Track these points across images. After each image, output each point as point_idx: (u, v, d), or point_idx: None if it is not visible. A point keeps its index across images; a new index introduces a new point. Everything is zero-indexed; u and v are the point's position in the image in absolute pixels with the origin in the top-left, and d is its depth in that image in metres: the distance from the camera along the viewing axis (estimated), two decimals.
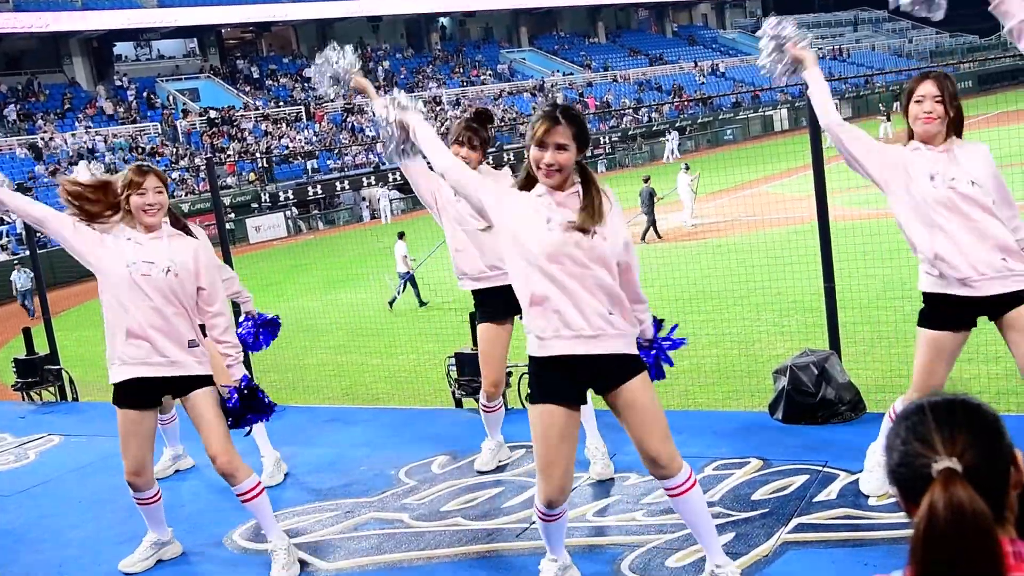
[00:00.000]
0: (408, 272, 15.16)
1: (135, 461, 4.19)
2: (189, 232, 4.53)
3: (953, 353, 3.76)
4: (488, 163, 4.87)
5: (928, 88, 3.59)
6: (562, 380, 3.22)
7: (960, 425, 1.35)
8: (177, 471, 5.92)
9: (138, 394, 4.10)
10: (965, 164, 3.58)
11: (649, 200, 18.54)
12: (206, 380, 4.12)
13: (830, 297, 5.42)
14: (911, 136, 3.68)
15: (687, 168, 19.97)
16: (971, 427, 1.36)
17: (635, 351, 3.28)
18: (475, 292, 4.78)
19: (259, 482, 4.21)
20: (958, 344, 3.76)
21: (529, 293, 3.16)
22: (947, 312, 3.71)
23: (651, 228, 18.70)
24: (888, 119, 35.58)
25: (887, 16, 74.90)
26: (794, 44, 3.81)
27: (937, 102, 3.57)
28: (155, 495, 4.39)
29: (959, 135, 3.66)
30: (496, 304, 4.68)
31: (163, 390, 4.12)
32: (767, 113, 49.08)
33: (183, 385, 4.09)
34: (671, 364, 3.60)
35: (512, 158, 40.31)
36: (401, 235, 16.10)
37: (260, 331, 5.78)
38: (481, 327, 4.82)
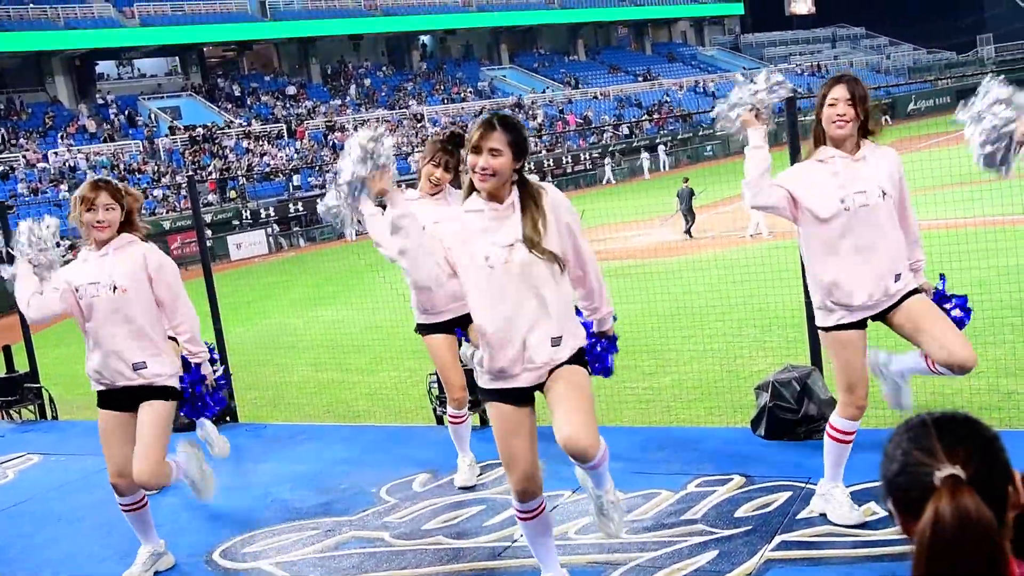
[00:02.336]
0: None
1: (116, 462, 4.23)
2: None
3: (863, 345, 3.84)
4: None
5: (840, 91, 3.71)
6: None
7: (963, 437, 1.33)
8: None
9: (112, 400, 4.21)
10: (873, 171, 3.70)
11: (688, 199, 19.41)
12: (168, 392, 4.19)
13: (811, 312, 5.43)
14: (821, 142, 3.81)
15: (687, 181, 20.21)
16: (973, 439, 1.34)
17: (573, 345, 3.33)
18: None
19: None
20: (864, 336, 3.86)
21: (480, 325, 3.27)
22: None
23: (691, 225, 19.46)
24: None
25: (865, 33, 75.79)
26: (749, 111, 3.90)
27: (849, 105, 3.67)
28: (140, 501, 4.39)
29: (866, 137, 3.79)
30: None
31: (134, 397, 4.17)
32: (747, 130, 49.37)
33: (148, 394, 4.15)
34: (613, 352, 3.70)
35: None
36: (686, 180, 17.51)
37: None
38: (428, 338, 4.90)
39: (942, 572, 1.24)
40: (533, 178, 3.33)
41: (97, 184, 4.14)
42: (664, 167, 43.47)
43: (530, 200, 3.21)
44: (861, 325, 3.79)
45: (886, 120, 38.27)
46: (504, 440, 3.34)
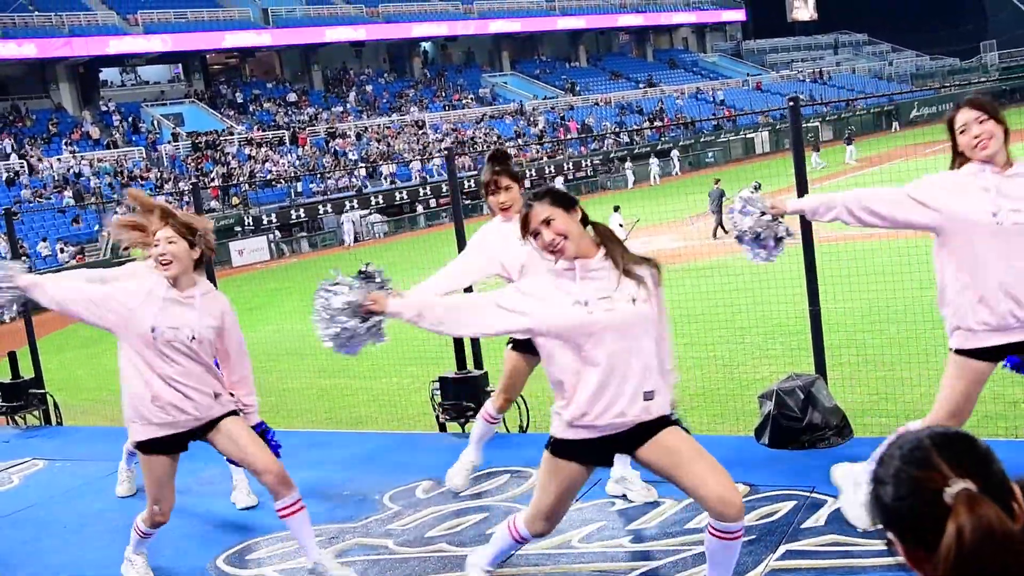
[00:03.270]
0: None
1: (168, 503, 4.16)
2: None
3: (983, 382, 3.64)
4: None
5: (966, 115, 3.51)
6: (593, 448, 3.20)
7: (964, 452, 1.26)
8: None
9: (169, 444, 4.06)
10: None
11: (719, 200, 19.98)
12: (230, 412, 4.14)
13: (815, 320, 5.42)
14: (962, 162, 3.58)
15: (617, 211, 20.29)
16: (973, 455, 1.26)
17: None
18: None
19: (299, 498, 4.14)
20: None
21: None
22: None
23: (719, 227, 19.88)
24: (817, 149, 35.29)
25: (867, 39, 75.81)
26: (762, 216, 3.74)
27: (981, 124, 3.47)
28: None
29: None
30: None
31: (190, 437, 4.09)
32: (748, 136, 49.45)
33: (208, 427, 4.09)
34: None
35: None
36: (616, 208, 18.27)
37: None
38: (513, 354, 4.70)
39: None
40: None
41: (164, 210, 3.96)
42: (676, 171, 43.63)
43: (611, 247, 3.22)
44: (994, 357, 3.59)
45: (894, 127, 38.12)
46: (560, 497, 3.32)
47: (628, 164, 43.91)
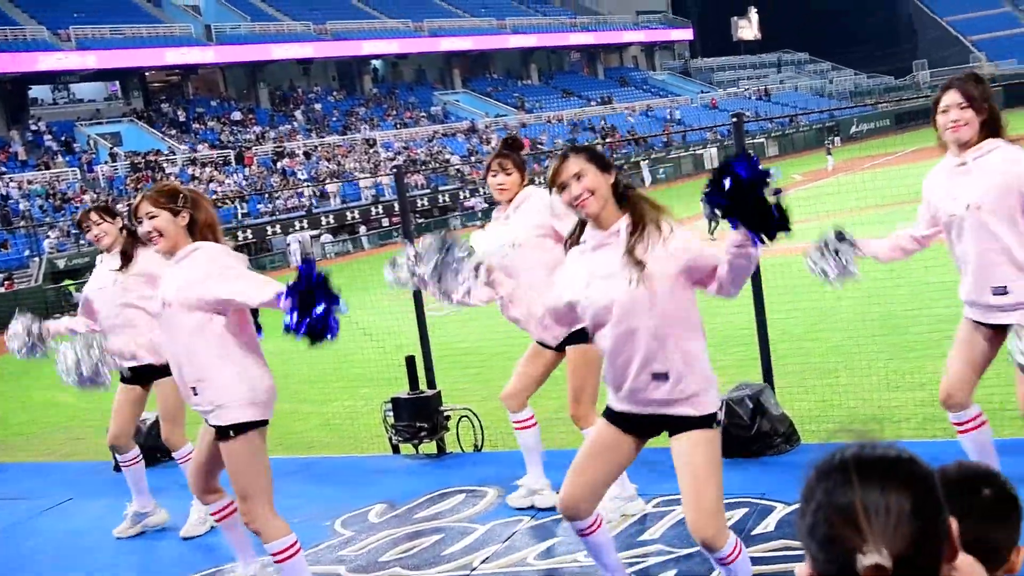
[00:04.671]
0: None
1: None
2: None
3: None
4: (538, 183, 4.70)
5: (951, 97, 3.59)
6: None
7: (893, 497, 1.13)
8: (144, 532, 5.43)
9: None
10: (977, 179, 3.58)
11: None
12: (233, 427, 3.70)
13: (762, 330, 5.51)
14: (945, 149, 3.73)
15: None
16: (904, 500, 1.14)
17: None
18: None
19: (295, 541, 3.80)
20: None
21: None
22: None
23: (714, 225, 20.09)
24: (829, 153, 36.37)
25: (808, 58, 77.66)
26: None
27: (963, 109, 3.57)
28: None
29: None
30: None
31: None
32: (698, 152, 50.16)
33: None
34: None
35: (447, 199, 40.39)
36: None
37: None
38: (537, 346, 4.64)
39: None
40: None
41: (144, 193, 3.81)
42: (646, 182, 44.16)
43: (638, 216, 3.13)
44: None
45: (834, 141, 39.11)
46: (585, 451, 3.27)
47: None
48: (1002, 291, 3.58)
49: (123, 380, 5.09)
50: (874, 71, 73.17)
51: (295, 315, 3.21)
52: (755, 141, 44.61)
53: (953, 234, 3.68)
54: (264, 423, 3.75)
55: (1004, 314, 3.60)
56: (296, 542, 3.77)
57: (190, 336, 3.62)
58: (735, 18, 76.91)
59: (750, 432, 5.12)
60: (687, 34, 72.07)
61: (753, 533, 4.11)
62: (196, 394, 3.69)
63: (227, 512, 4.14)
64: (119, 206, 34.35)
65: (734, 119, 5.57)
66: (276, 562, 3.77)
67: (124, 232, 5.09)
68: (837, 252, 3.89)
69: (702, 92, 64.62)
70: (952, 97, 3.58)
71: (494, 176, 4.50)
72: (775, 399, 5.32)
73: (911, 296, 9.10)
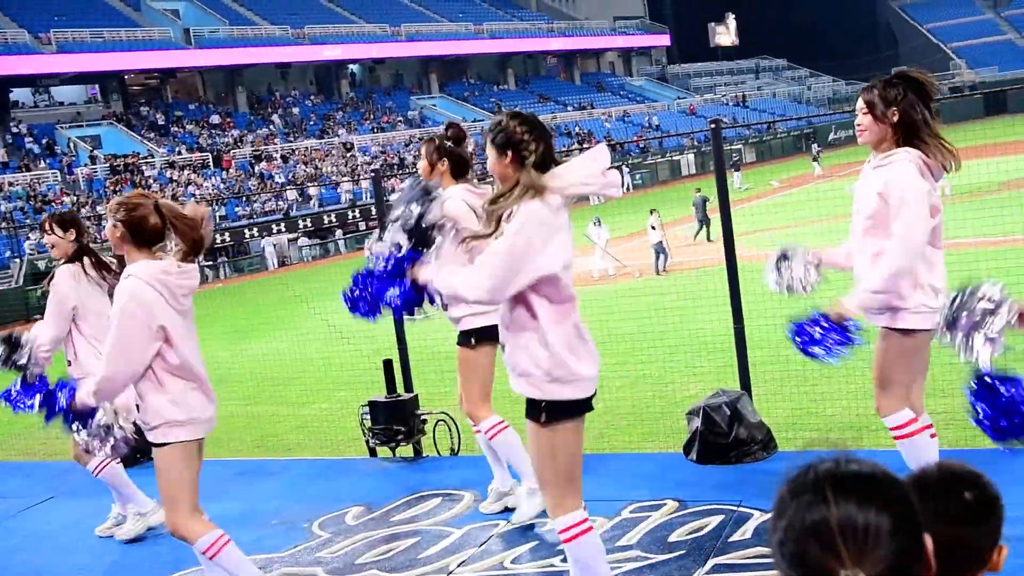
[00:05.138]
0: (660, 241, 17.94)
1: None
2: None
3: None
4: (471, 182, 4.76)
5: (858, 102, 3.66)
6: None
7: (870, 517, 1.11)
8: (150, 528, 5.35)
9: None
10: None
11: (703, 206, 21.36)
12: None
13: (740, 338, 5.53)
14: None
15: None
16: (881, 520, 1.12)
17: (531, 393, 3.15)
18: None
19: (219, 535, 3.87)
20: None
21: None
22: None
23: (705, 230, 21.32)
24: (738, 170, 36.43)
25: (787, 64, 78.23)
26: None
27: (864, 114, 3.62)
28: (101, 463, 5.01)
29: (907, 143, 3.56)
30: None
31: None
32: (675, 158, 50.40)
33: None
34: None
35: None
36: (653, 211, 18.51)
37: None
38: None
39: None
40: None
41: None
42: (628, 188, 44.27)
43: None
44: None
45: (816, 148, 39.34)
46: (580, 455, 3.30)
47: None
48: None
49: None
50: (853, 78, 73.83)
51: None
52: (733, 147, 44.87)
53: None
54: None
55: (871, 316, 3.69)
56: (221, 536, 3.85)
57: None
58: (712, 24, 77.34)
59: (727, 439, 5.14)
60: (664, 40, 72.41)
61: (730, 540, 4.12)
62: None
63: None
64: (99, 208, 34.21)
65: (712, 125, 5.61)
66: (209, 558, 3.86)
67: (76, 245, 5.21)
68: (790, 269, 3.97)
69: (679, 98, 64.93)
70: (858, 102, 3.69)
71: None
72: (752, 406, 5.35)
73: None
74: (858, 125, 3.64)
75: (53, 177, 37.06)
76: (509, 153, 3.12)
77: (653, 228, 18.61)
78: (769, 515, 3.86)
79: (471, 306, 4.25)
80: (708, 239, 21.19)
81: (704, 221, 21.62)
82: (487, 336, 4.34)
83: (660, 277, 17.64)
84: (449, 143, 4.61)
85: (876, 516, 1.11)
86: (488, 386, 4.56)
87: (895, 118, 3.54)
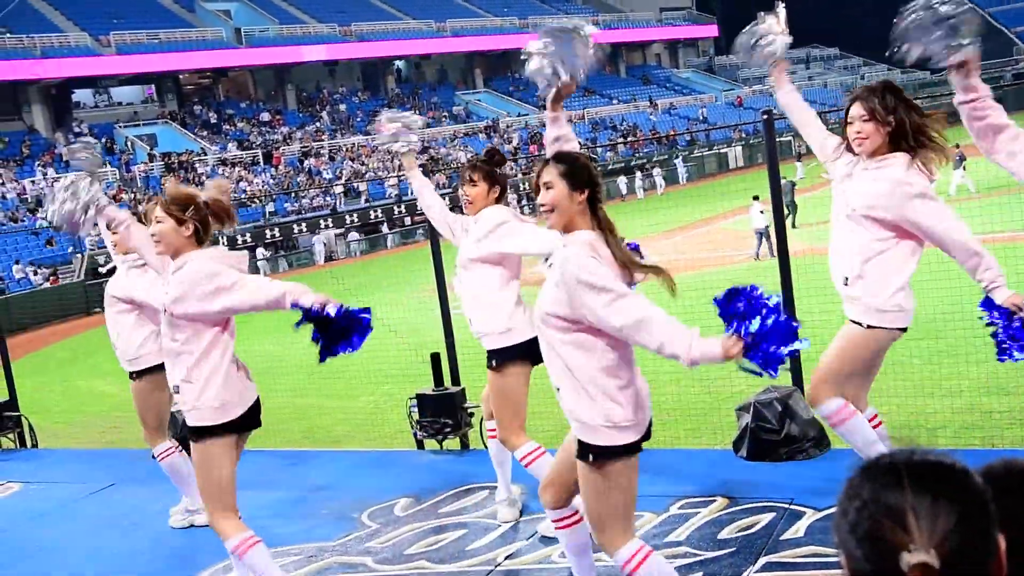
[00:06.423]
0: (764, 226, 17.57)
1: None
2: None
3: None
4: (509, 204, 4.63)
5: (856, 110, 3.67)
6: None
7: (943, 503, 1.11)
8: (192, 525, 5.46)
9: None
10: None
11: (791, 191, 20.89)
12: (196, 431, 3.93)
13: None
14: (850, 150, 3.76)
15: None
16: (955, 507, 1.12)
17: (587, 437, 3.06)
18: None
19: (248, 536, 3.97)
20: None
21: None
22: None
23: (792, 217, 20.27)
24: (799, 159, 35.48)
25: (839, 53, 76.73)
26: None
27: (865, 122, 3.63)
28: (168, 449, 5.24)
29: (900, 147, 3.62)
30: None
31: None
32: (722, 151, 49.83)
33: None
34: None
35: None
36: (756, 197, 18.45)
37: None
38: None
39: None
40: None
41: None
42: (682, 179, 44.12)
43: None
44: None
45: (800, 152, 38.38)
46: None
47: (657, 170, 44.39)
48: (845, 282, 3.80)
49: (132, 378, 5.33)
50: (908, 67, 72.04)
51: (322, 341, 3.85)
52: (784, 139, 44.20)
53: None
54: (227, 432, 3.93)
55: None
56: (250, 536, 3.94)
57: (171, 342, 3.90)
58: (762, 13, 75.98)
59: (778, 436, 5.07)
60: (712, 31, 71.51)
61: (782, 539, 4.07)
62: (177, 392, 3.92)
63: None
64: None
65: (764, 116, 5.52)
66: (239, 557, 3.97)
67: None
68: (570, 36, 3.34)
69: (727, 90, 64.18)
70: (856, 110, 3.65)
71: (462, 186, 4.43)
72: (805, 402, 5.26)
73: (948, 299, 8.98)
74: (858, 133, 3.62)
75: (112, 175, 37.94)
76: (586, 192, 3.05)
77: (762, 212, 18.24)
78: (823, 513, 3.79)
79: (487, 324, 4.25)
80: (793, 226, 20.28)
81: (792, 207, 20.81)
82: (510, 356, 4.23)
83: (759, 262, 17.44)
84: (498, 169, 4.53)
85: (949, 505, 1.12)
86: (521, 410, 4.35)
87: (893, 124, 3.60)
